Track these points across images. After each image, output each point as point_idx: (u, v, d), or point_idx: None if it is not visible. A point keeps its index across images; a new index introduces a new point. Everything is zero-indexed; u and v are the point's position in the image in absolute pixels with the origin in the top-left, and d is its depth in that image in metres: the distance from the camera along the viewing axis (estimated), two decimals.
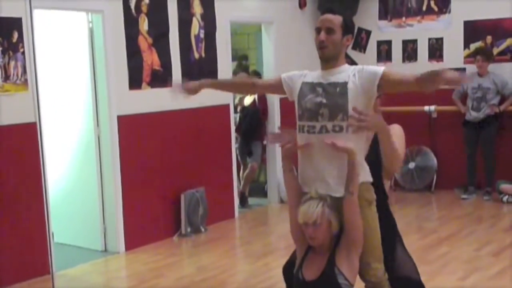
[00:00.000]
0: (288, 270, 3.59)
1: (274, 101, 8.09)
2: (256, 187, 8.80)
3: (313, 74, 3.38)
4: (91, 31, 6.15)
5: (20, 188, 5.49)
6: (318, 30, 3.31)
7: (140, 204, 6.46)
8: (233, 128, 7.70)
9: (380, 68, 3.25)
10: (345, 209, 3.20)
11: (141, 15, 6.38)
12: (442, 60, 8.48)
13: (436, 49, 8.57)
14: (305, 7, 8.51)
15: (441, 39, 8.53)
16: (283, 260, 3.69)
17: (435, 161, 8.51)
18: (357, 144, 3.25)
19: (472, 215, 7.41)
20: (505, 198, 7.78)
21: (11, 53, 5.33)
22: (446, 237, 6.50)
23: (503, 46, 8.15)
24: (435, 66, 8.12)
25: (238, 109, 8.26)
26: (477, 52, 7.98)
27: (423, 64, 8.23)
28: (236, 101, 8.26)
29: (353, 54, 8.67)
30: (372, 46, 8.97)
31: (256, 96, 8.14)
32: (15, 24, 5.35)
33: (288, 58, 8.05)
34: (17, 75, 5.38)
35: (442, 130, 8.54)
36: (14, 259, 5.44)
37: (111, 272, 6.00)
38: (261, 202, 8.43)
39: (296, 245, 3.45)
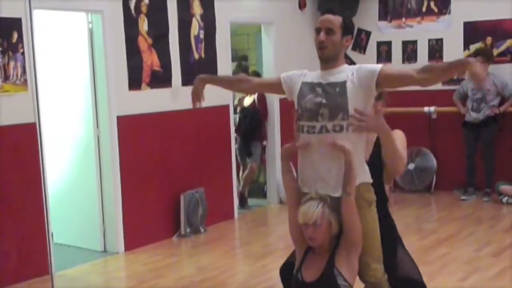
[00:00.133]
0: (285, 271, 3.60)
1: (273, 101, 8.09)
2: (256, 188, 8.79)
3: (313, 74, 3.38)
4: (90, 32, 6.15)
5: (19, 188, 5.49)
6: (317, 31, 3.31)
7: (140, 205, 6.46)
8: (232, 128, 7.69)
9: (378, 66, 3.26)
10: (343, 210, 3.20)
11: (140, 16, 6.38)
12: (441, 61, 8.47)
13: (436, 50, 8.57)
14: (304, 8, 8.51)
15: (441, 40, 8.53)
16: (283, 261, 3.69)
17: (434, 162, 8.51)
18: (357, 145, 3.25)
19: (471, 216, 7.41)
20: (504, 199, 7.78)
21: (10, 53, 5.33)
22: (445, 238, 6.50)
23: (503, 47, 8.15)
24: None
25: (238, 109, 8.26)
26: (477, 53, 7.96)
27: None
28: (236, 101, 8.26)
29: (353, 55, 8.67)
30: (372, 47, 8.97)
31: (255, 96, 8.14)
32: (14, 24, 5.35)
33: (288, 59, 8.05)
34: (17, 76, 5.38)
35: (441, 131, 8.54)
36: (13, 259, 5.43)
37: (111, 273, 6.00)
38: (260, 203, 8.43)
39: (295, 246, 3.45)
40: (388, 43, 8.88)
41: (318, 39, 3.29)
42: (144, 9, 6.40)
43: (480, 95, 7.87)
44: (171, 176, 6.76)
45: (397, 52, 8.82)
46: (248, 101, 8.22)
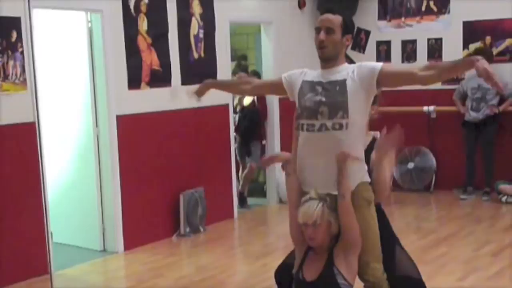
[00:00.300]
0: (280, 273, 3.61)
1: (273, 101, 8.09)
2: (255, 187, 8.80)
3: (313, 73, 3.39)
4: (90, 31, 6.15)
5: (18, 187, 5.49)
6: (317, 30, 3.31)
7: (139, 204, 6.46)
8: (232, 128, 7.69)
9: (379, 64, 3.26)
10: (340, 212, 3.21)
11: (140, 15, 6.38)
12: (441, 61, 8.47)
13: (435, 50, 8.57)
14: (304, 7, 8.51)
15: (440, 39, 8.53)
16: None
17: (434, 161, 8.51)
18: (356, 143, 3.26)
19: (471, 215, 7.41)
20: (504, 199, 7.78)
21: (10, 52, 5.32)
22: (445, 237, 6.50)
23: (502, 46, 8.15)
24: (432, 61, 8.12)
25: (237, 109, 8.26)
26: (476, 52, 7.96)
27: None
28: (236, 101, 8.26)
29: (353, 55, 8.65)
30: (371, 47, 8.97)
31: (255, 96, 8.14)
32: (14, 23, 5.35)
33: (287, 58, 8.05)
34: (16, 75, 5.38)
35: (441, 131, 8.54)
36: (12, 258, 5.43)
37: (110, 272, 5.99)
38: (260, 202, 8.43)
39: (295, 246, 3.45)
40: (388, 43, 8.88)
41: (318, 39, 3.29)
42: (143, 8, 6.40)
43: (480, 94, 7.87)
44: (170, 175, 6.75)
45: (396, 51, 8.82)
46: (247, 100, 8.22)
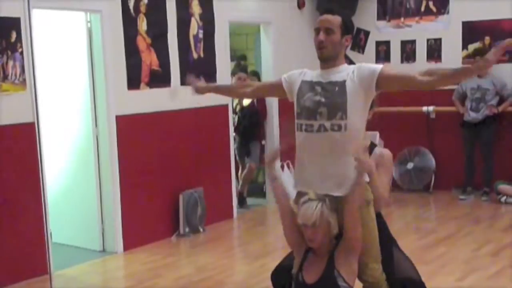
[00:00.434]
0: (277, 275, 3.61)
1: (272, 101, 8.09)
2: (255, 188, 8.80)
3: (313, 73, 3.39)
4: (89, 31, 6.15)
5: (18, 188, 5.48)
6: (317, 31, 3.31)
7: (139, 204, 6.46)
8: (231, 128, 7.70)
9: (379, 66, 3.27)
10: (345, 215, 3.20)
11: (139, 15, 6.38)
12: (440, 61, 8.48)
13: (434, 50, 8.58)
14: (303, 7, 8.51)
15: (440, 39, 8.54)
16: None
17: (433, 161, 8.51)
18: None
19: (470, 215, 7.42)
20: (503, 199, 7.78)
21: (9, 53, 5.32)
22: (444, 237, 6.50)
23: None
24: (433, 66, 8.11)
25: (237, 109, 8.26)
26: (476, 53, 7.98)
27: (421, 65, 8.22)
28: (235, 101, 8.25)
29: (352, 55, 8.66)
30: (370, 47, 8.97)
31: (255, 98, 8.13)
32: (13, 24, 5.35)
33: (287, 58, 8.05)
34: (15, 75, 5.38)
35: (440, 131, 8.55)
36: (12, 259, 5.43)
37: (109, 272, 5.99)
38: (259, 203, 8.43)
39: (293, 249, 3.45)
40: (387, 43, 8.88)
41: (317, 39, 3.29)
42: (143, 8, 6.40)
43: (479, 94, 7.88)
44: (170, 175, 6.75)
45: (395, 51, 8.82)
46: (247, 101, 8.22)
